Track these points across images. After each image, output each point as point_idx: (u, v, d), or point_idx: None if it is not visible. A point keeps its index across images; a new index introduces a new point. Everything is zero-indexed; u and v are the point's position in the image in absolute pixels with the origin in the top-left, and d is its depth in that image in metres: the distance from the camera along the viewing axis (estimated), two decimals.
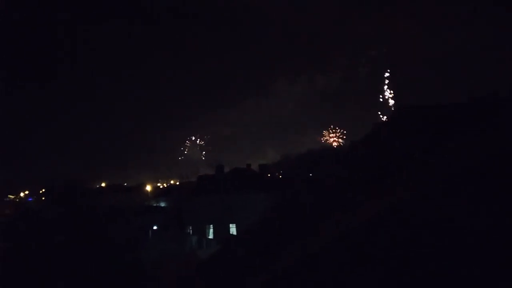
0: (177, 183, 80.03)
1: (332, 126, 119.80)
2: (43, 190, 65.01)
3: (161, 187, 78.73)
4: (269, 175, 52.33)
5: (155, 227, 34.37)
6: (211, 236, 36.10)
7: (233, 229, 35.99)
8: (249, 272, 4.22)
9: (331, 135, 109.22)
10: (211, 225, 36.77)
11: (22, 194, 75.98)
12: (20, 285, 18.87)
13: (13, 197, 74.40)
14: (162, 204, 48.33)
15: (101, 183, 74.55)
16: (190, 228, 36.69)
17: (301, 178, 44.18)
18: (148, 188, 66.49)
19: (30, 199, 67.38)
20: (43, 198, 59.94)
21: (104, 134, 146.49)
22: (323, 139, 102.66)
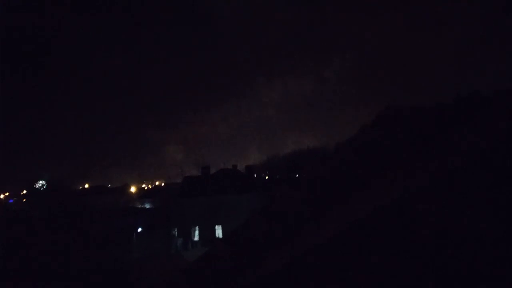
0: (162, 184, 79.33)
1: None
2: (25, 191, 63.66)
3: (146, 188, 77.88)
4: (255, 175, 52.35)
5: (139, 229, 33.98)
6: (196, 238, 35.86)
7: (219, 231, 35.84)
8: (235, 274, 4.18)
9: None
10: (197, 227, 36.54)
11: (1, 196, 74.17)
12: (4, 284, 18.40)
13: None
14: (147, 206, 47.84)
15: (84, 184, 73.32)
16: (176, 230, 36.39)
17: (287, 179, 44.36)
18: (133, 189, 65.73)
19: (11, 201, 65.81)
20: (24, 200, 58.71)
21: (87, 135, 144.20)
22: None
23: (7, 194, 73.57)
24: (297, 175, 46.64)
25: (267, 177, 57.83)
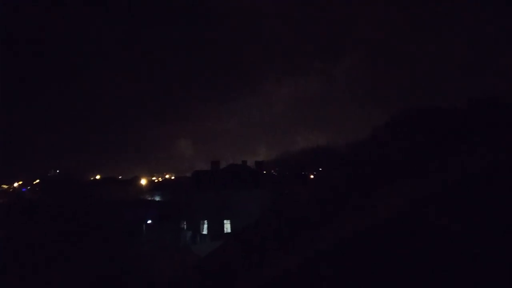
0: (172, 177, 79.91)
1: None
2: (37, 180, 64.80)
3: (156, 181, 78.55)
4: (264, 172, 52.36)
5: (149, 221, 34.35)
6: (205, 232, 36.12)
7: (227, 225, 36.03)
8: (246, 271, 4.21)
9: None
10: (206, 221, 36.78)
11: (15, 184, 75.58)
12: (16, 273, 18.82)
13: (6, 187, 74.00)
14: (157, 198, 48.29)
15: (96, 176, 74.30)
16: (185, 223, 36.71)
17: (297, 177, 44.27)
18: (143, 181, 66.35)
19: (24, 190, 67.06)
20: (37, 189, 59.73)
21: (99, 128, 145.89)
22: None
23: (20, 182, 74.98)
24: (306, 173, 46.52)
25: (276, 174, 57.82)
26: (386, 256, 2.82)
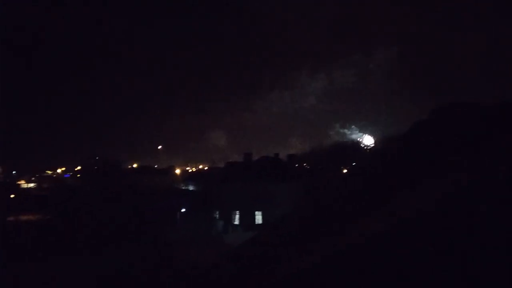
0: (206, 168, 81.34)
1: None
2: (79, 167, 68.04)
3: (190, 171, 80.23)
4: (297, 165, 52.22)
5: (183, 209, 35.29)
6: (237, 222, 36.68)
7: (258, 217, 36.39)
8: (281, 259, 4.32)
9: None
10: (237, 211, 37.32)
11: (59, 171, 79.68)
12: (57, 254, 20.01)
13: (50, 172, 78.27)
14: (191, 188, 49.41)
15: (133, 164, 76.92)
16: (217, 213, 37.42)
17: (330, 171, 43.83)
18: (178, 171, 68.01)
19: (67, 176, 70.57)
20: (79, 176, 62.73)
21: (138, 119, 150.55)
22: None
23: (63, 169, 79.05)
24: (339, 167, 45.95)
25: (308, 167, 57.48)
26: (422, 250, 2.86)
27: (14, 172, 70.11)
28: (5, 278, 16.16)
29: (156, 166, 78.10)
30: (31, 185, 65.00)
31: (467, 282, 2.46)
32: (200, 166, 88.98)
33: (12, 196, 40.21)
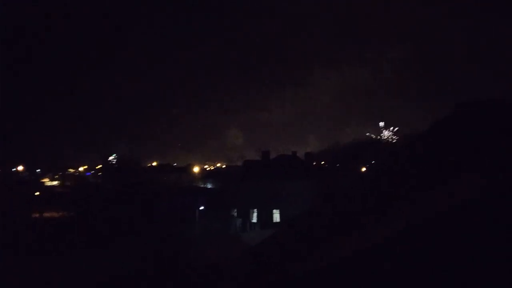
0: (223, 166, 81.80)
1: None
2: (100, 166, 69.48)
3: (208, 169, 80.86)
4: (314, 163, 51.89)
5: (201, 207, 35.62)
6: (254, 220, 36.77)
7: (276, 215, 36.39)
8: (301, 258, 4.31)
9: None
10: (255, 210, 37.41)
11: (81, 169, 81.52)
12: (81, 251, 20.53)
13: (73, 170, 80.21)
14: (209, 186, 49.79)
15: (152, 162, 78.03)
16: (235, 211, 37.60)
17: (348, 169, 43.43)
18: (196, 169, 68.64)
19: (88, 174, 72.14)
20: (99, 173, 64.03)
21: (157, 118, 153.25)
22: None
23: (85, 167, 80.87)
24: (358, 165, 45.45)
25: (326, 166, 57.08)
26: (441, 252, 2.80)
27: (38, 170, 72.19)
28: (28, 273, 16.71)
29: (175, 164, 79.05)
30: (55, 182, 66.81)
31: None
32: (218, 164, 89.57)
33: (36, 193, 41.44)
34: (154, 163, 76.98)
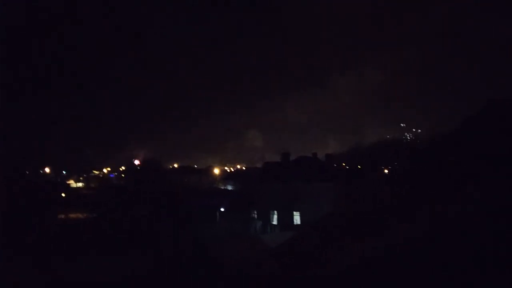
0: (244, 168, 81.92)
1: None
2: (123, 167, 70.92)
3: (228, 171, 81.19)
4: (335, 165, 51.26)
5: (222, 209, 35.77)
6: (275, 222, 36.65)
7: (297, 217, 36.13)
8: (322, 258, 4.30)
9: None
10: (276, 211, 37.27)
11: (105, 171, 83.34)
12: (105, 252, 20.92)
13: (97, 172, 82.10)
14: (229, 187, 49.97)
15: (174, 164, 78.99)
16: (255, 213, 37.59)
17: (370, 171, 42.76)
18: (216, 171, 69.04)
19: (112, 175, 73.65)
20: (123, 175, 65.33)
21: (179, 120, 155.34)
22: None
23: (109, 169, 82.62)
24: (380, 167, 44.68)
25: (347, 167, 56.31)
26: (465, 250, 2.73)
27: (64, 172, 74.21)
28: (52, 273, 17.12)
29: (195, 166, 79.75)
30: (80, 184, 68.55)
31: None
32: (238, 166, 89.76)
33: (63, 195, 42.64)
34: (176, 165, 77.91)
